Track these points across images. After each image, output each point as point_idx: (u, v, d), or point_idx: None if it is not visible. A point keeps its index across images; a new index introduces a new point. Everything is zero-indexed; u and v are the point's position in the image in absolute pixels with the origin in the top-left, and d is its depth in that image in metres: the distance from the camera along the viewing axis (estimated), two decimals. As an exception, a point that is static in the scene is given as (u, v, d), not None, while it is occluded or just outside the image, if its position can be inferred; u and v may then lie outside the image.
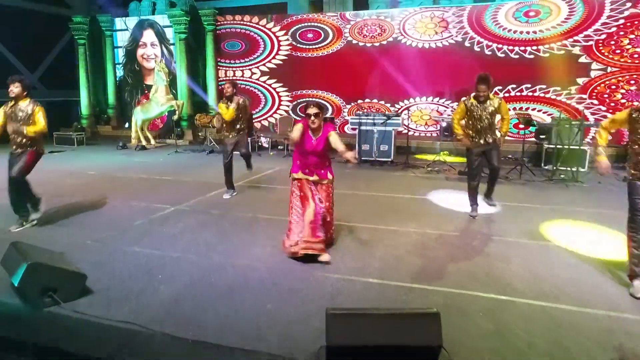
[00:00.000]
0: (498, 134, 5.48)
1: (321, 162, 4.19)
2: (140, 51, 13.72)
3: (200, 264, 3.99)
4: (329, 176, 4.24)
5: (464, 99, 5.51)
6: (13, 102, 4.89)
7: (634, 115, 3.52)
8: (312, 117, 4.00)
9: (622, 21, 9.81)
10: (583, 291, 3.46)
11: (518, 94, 10.84)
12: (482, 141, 5.30)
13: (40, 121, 4.91)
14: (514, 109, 10.78)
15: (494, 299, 3.30)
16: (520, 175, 7.90)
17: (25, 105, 4.89)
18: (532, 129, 9.82)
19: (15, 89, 4.83)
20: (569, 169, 7.73)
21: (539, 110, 10.63)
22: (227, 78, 13.15)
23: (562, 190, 6.93)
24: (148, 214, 5.57)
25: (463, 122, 5.45)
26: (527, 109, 10.67)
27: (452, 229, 5.02)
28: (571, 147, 7.89)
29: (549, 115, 10.48)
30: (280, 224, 4.94)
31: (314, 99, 3.64)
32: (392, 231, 4.89)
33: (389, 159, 9.19)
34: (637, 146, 3.53)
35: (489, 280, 3.64)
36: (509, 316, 3.06)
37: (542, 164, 8.68)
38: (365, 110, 11.12)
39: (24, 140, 4.92)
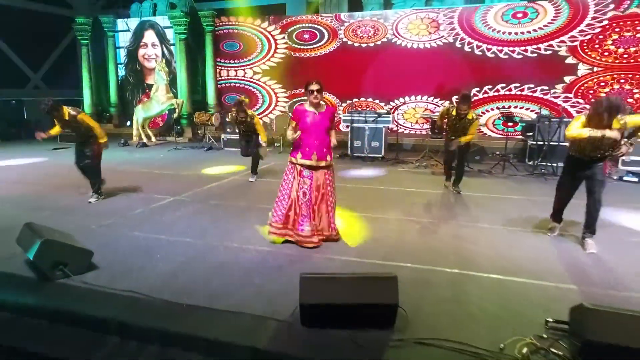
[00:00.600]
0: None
1: (324, 140, 4.34)
2: (141, 51, 14.12)
3: (195, 245, 4.39)
4: (328, 158, 4.38)
5: (449, 105, 6.47)
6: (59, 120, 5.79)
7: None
8: (315, 93, 4.23)
9: (605, 22, 10.18)
10: (539, 267, 3.84)
11: (507, 92, 11.22)
12: (456, 139, 6.21)
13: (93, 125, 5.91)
14: (503, 107, 11.18)
15: (456, 273, 3.69)
16: (503, 170, 8.28)
17: (71, 117, 5.77)
18: (518, 128, 10.22)
19: (55, 114, 5.67)
20: (549, 164, 8.11)
21: (527, 109, 10.99)
22: (227, 77, 13.58)
23: (540, 184, 7.32)
24: (148, 203, 5.96)
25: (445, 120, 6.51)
26: (514, 107, 11.05)
27: (430, 217, 5.41)
28: (551, 143, 8.27)
29: (535, 113, 10.84)
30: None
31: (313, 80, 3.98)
32: (375, 218, 5.27)
33: (380, 155, 9.57)
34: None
35: (455, 258, 4.03)
36: (467, 287, 3.45)
37: (527, 160, 9.06)
38: (356, 108, 11.50)
39: None
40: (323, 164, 4.37)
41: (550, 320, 2.81)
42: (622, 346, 2.30)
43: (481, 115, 11.30)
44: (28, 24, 14.97)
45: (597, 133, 3.94)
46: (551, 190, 4.77)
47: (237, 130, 7.39)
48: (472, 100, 6.31)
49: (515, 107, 11.10)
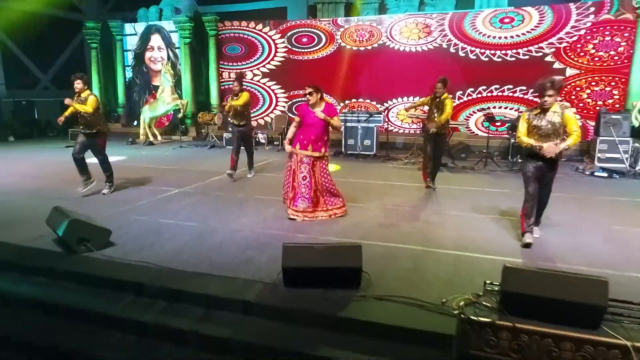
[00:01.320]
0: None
1: (320, 136, 5.21)
2: (148, 54, 14.81)
3: (198, 228, 5.03)
4: (322, 150, 5.24)
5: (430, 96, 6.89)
6: (77, 94, 6.31)
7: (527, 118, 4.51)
8: (307, 95, 5.19)
9: (588, 25, 10.73)
10: (494, 246, 4.45)
11: (500, 94, 11.78)
12: (430, 125, 6.65)
13: (88, 104, 6.24)
14: (488, 107, 11.75)
15: (420, 250, 4.32)
16: (485, 166, 8.88)
17: (86, 95, 6.31)
18: (503, 128, 10.81)
19: (77, 85, 6.24)
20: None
21: (515, 110, 11.54)
22: (229, 79, 14.24)
23: (517, 178, 7.88)
24: (156, 194, 6.62)
25: (426, 108, 7.13)
26: (499, 107, 11.64)
27: (407, 206, 6.03)
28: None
29: (517, 111, 11.40)
30: (266, 202, 6.02)
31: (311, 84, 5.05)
32: (358, 207, 5.90)
33: (372, 153, 10.20)
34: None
35: (422, 238, 4.65)
36: (427, 260, 4.07)
37: (510, 157, 9.65)
38: (349, 109, 12.12)
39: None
40: (317, 154, 5.18)
41: (488, 282, 3.41)
42: (533, 295, 2.91)
43: (469, 118, 11.90)
44: (38, 27, 15.68)
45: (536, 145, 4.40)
46: (516, 185, 5.34)
47: (228, 120, 7.85)
48: (447, 85, 6.70)
49: (506, 107, 11.67)
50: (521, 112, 10.08)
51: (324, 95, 5.43)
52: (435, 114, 6.62)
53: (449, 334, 2.90)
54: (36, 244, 4.44)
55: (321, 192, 5.32)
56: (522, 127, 4.51)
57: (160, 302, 3.45)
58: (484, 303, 3.18)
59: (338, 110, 12.89)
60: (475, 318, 3.01)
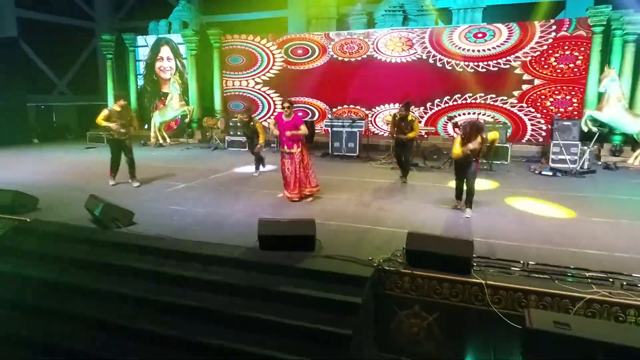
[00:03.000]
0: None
1: (291, 137, 6.80)
2: (158, 64, 16.29)
3: (200, 212, 6.44)
4: (295, 147, 6.87)
5: (395, 113, 8.58)
6: (120, 109, 8.07)
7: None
8: (285, 108, 6.87)
9: (550, 40, 12.04)
10: (426, 225, 5.79)
11: (473, 101, 13.08)
12: (401, 136, 8.16)
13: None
14: (468, 113, 13.06)
15: (366, 228, 5.70)
16: (450, 166, 10.18)
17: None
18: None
19: (122, 102, 8.15)
20: (485, 161, 10.00)
21: (487, 116, 12.84)
22: (232, 87, 15.68)
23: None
24: (166, 188, 8.04)
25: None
26: (480, 114, 12.93)
27: (371, 197, 7.40)
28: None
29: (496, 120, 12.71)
30: (256, 194, 7.41)
31: (289, 99, 7.14)
32: (330, 197, 7.28)
33: (355, 154, 11.57)
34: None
35: (371, 220, 6.03)
36: (369, 235, 5.45)
37: (476, 158, 10.95)
38: (335, 116, 13.47)
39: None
40: (293, 150, 6.83)
41: (405, 246, 4.78)
42: (424, 251, 4.29)
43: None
44: (54, 35, 17.19)
45: (466, 149, 5.94)
46: (477, 181, 6.65)
47: (242, 132, 9.46)
48: (411, 106, 8.43)
49: (479, 114, 12.96)
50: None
51: (293, 107, 7.12)
52: (403, 129, 8.20)
53: (366, 277, 4.26)
54: (78, 223, 5.86)
55: (300, 178, 6.90)
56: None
57: (171, 261, 4.85)
58: (397, 260, 4.56)
59: (330, 115, 14.35)
60: (387, 268, 4.39)
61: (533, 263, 4.42)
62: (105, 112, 7.95)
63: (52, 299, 4.72)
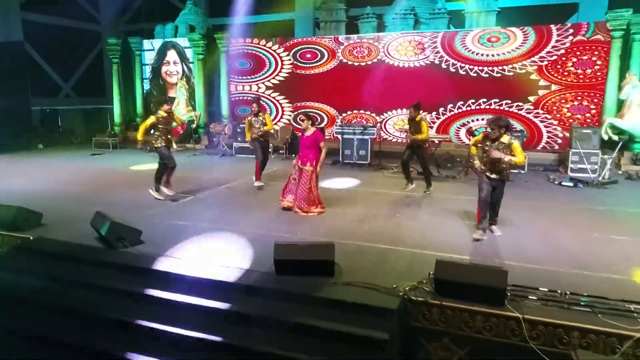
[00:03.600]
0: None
1: (307, 152, 6.66)
2: (164, 68, 16.06)
3: (209, 228, 6.15)
4: (308, 165, 6.63)
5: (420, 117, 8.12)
6: (166, 114, 7.76)
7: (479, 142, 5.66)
8: (302, 122, 6.85)
9: (567, 45, 11.68)
10: (448, 245, 5.48)
11: (487, 107, 12.76)
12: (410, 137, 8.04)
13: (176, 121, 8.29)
14: (479, 119, 12.75)
15: (385, 248, 5.38)
16: (465, 175, 9.90)
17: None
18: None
19: (168, 107, 7.89)
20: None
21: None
22: (240, 91, 15.42)
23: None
24: (173, 200, 7.75)
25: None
26: (483, 120, 12.63)
27: (386, 210, 7.09)
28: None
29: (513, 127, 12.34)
30: (267, 208, 7.11)
31: (305, 111, 6.95)
32: (343, 212, 6.98)
33: (366, 162, 11.27)
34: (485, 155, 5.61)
35: (390, 238, 5.71)
36: (389, 256, 5.14)
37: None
38: (346, 122, 13.18)
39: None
40: (306, 167, 6.62)
41: (431, 273, 4.47)
42: (455, 281, 3.97)
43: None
44: (59, 38, 16.99)
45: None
46: None
47: (252, 136, 8.71)
48: (421, 109, 8.17)
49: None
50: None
51: (314, 122, 6.81)
52: (413, 132, 7.98)
53: (392, 309, 3.95)
54: (82, 241, 5.59)
55: (302, 192, 6.71)
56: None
57: (183, 286, 4.56)
58: (424, 288, 4.25)
59: (339, 121, 14.08)
60: (414, 298, 4.09)
61: (570, 293, 4.09)
62: (151, 120, 7.67)
63: (52, 325, 4.44)
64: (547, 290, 4.12)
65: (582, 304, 3.92)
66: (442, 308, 3.99)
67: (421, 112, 8.13)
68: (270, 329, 4.02)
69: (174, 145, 14.23)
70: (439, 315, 4.02)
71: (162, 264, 4.89)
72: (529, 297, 4.04)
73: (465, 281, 3.95)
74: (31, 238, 5.73)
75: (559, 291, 4.09)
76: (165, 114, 7.74)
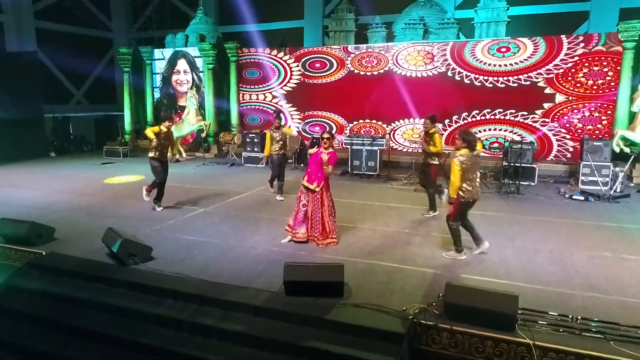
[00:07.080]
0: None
1: (317, 170, 5.99)
2: (174, 77, 16.19)
3: (219, 244, 6.18)
4: (315, 184, 5.98)
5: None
6: (166, 130, 7.96)
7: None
8: (325, 140, 6.11)
9: (577, 58, 11.63)
10: (458, 265, 5.45)
11: (492, 117, 12.75)
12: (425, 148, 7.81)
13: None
14: (489, 129, 12.71)
15: (394, 266, 5.37)
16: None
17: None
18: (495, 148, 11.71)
19: (169, 123, 8.08)
20: (511, 182, 9.61)
21: (515, 133, 12.44)
22: (249, 100, 15.52)
23: (499, 200, 8.86)
24: (184, 213, 7.81)
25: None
26: (499, 130, 12.59)
27: (396, 227, 7.07)
28: (522, 164, 9.81)
29: (518, 135, 12.30)
30: (277, 222, 7.13)
31: (330, 131, 5.99)
32: (353, 228, 6.97)
33: (375, 173, 11.26)
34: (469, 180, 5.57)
35: (400, 257, 5.70)
36: (397, 275, 5.12)
37: (502, 179, 10.55)
38: (355, 133, 13.19)
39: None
40: (312, 187, 6.06)
41: (441, 295, 4.45)
42: (466, 305, 3.96)
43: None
44: (71, 45, 17.23)
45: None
46: (501, 206, 6.24)
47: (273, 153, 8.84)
48: (436, 120, 7.99)
49: (500, 130, 12.63)
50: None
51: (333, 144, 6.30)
52: (425, 145, 7.76)
53: (402, 333, 3.94)
54: (94, 257, 5.65)
55: (313, 221, 6.11)
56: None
57: (192, 305, 4.59)
58: (434, 311, 4.24)
59: (348, 131, 14.08)
60: (424, 322, 4.08)
61: (581, 318, 4.06)
62: (156, 128, 7.94)
63: (63, 343, 4.49)
64: (557, 314, 4.09)
65: (594, 330, 3.88)
66: (452, 332, 3.98)
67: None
68: (278, 351, 4.03)
69: (183, 154, 14.42)
70: (449, 339, 4.00)
71: (173, 283, 4.91)
72: (539, 321, 4.01)
73: (476, 305, 3.93)
74: (44, 253, 5.80)
75: (570, 316, 4.06)
76: (165, 129, 7.91)
